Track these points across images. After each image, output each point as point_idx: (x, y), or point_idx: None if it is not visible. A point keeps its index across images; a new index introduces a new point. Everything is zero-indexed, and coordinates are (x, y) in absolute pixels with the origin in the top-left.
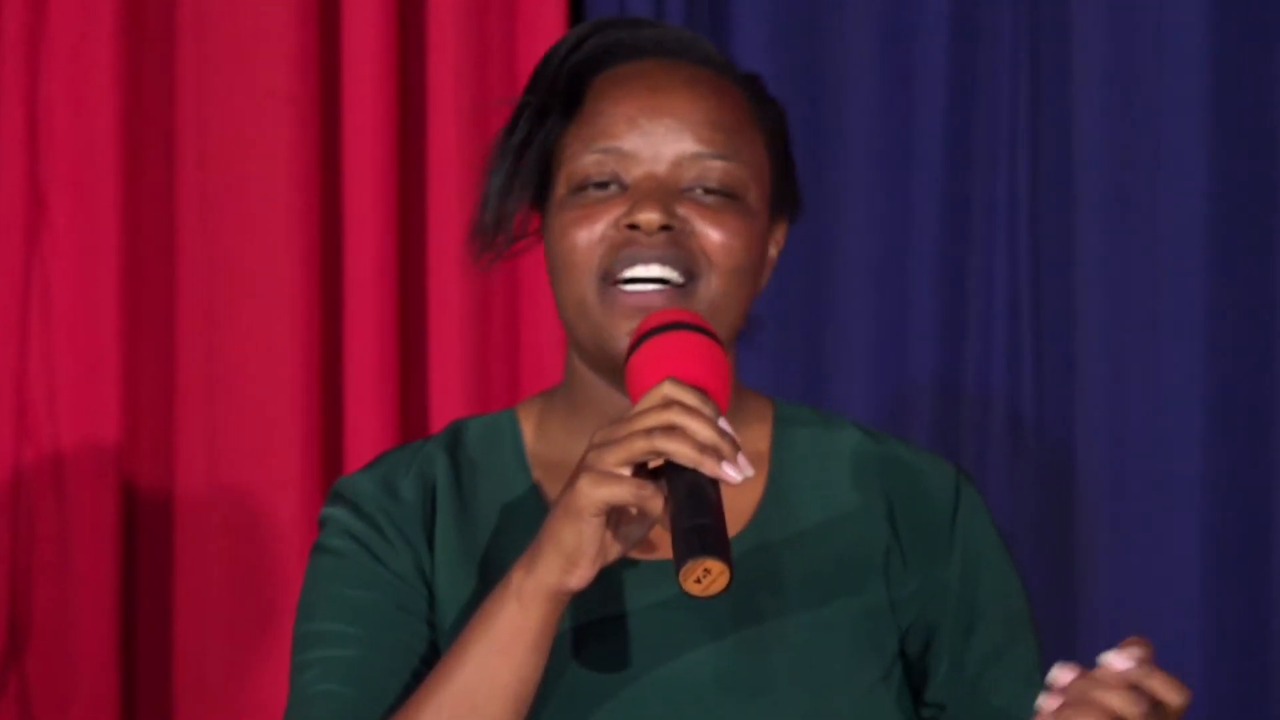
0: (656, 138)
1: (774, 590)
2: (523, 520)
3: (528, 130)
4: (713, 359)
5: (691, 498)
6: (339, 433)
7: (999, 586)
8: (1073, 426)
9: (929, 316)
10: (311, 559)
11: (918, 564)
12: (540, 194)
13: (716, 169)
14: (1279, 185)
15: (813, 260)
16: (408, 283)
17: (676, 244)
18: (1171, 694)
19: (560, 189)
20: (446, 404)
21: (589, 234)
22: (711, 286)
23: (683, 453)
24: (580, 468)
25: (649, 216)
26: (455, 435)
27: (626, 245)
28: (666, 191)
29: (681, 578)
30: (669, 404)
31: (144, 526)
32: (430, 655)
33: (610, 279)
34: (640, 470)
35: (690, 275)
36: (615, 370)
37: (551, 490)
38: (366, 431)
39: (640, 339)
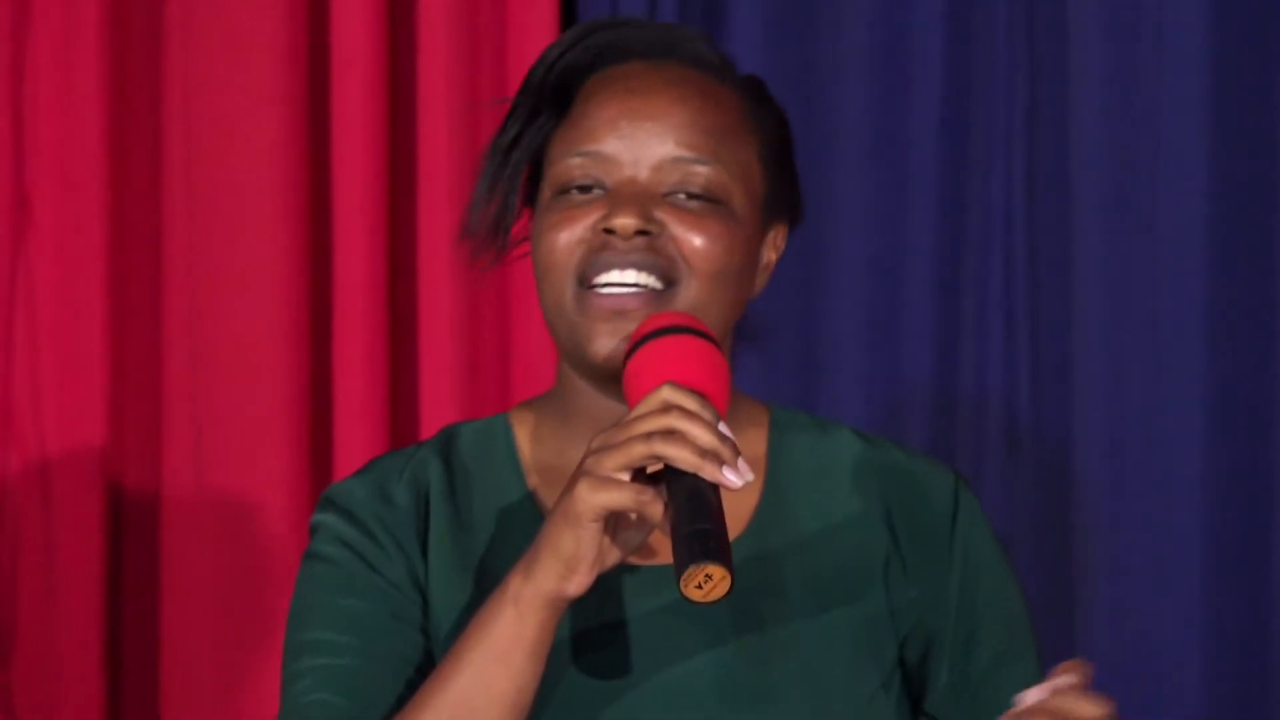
0: (637, 142)
1: (774, 597)
2: (518, 526)
3: (516, 132)
4: (711, 363)
5: (692, 503)
6: (328, 436)
7: (998, 594)
8: (1070, 428)
9: (924, 318)
10: (303, 567)
11: (917, 571)
12: (533, 197)
13: (698, 173)
14: (1279, 185)
15: (807, 262)
16: (398, 284)
17: (653, 249)
18: (1089, 710)
19: (546, 192)
20: (437, 407)
21: (568, 237)
22: (691, 292)
23: (682, 457)
24: (578, 472)
25: (624, 221)
26: (448, 441)
27: (603, 249)
28: (645, 196)
29: (682, 583)
30: (668, 408)
31: (130, 530)
32: (425, 663)
33: (586, 283)
34: (639, 475)
35: (669, 281)
36: (595, 374)
37: (547, 496)
38: (356, 435)
39: (638, 343)
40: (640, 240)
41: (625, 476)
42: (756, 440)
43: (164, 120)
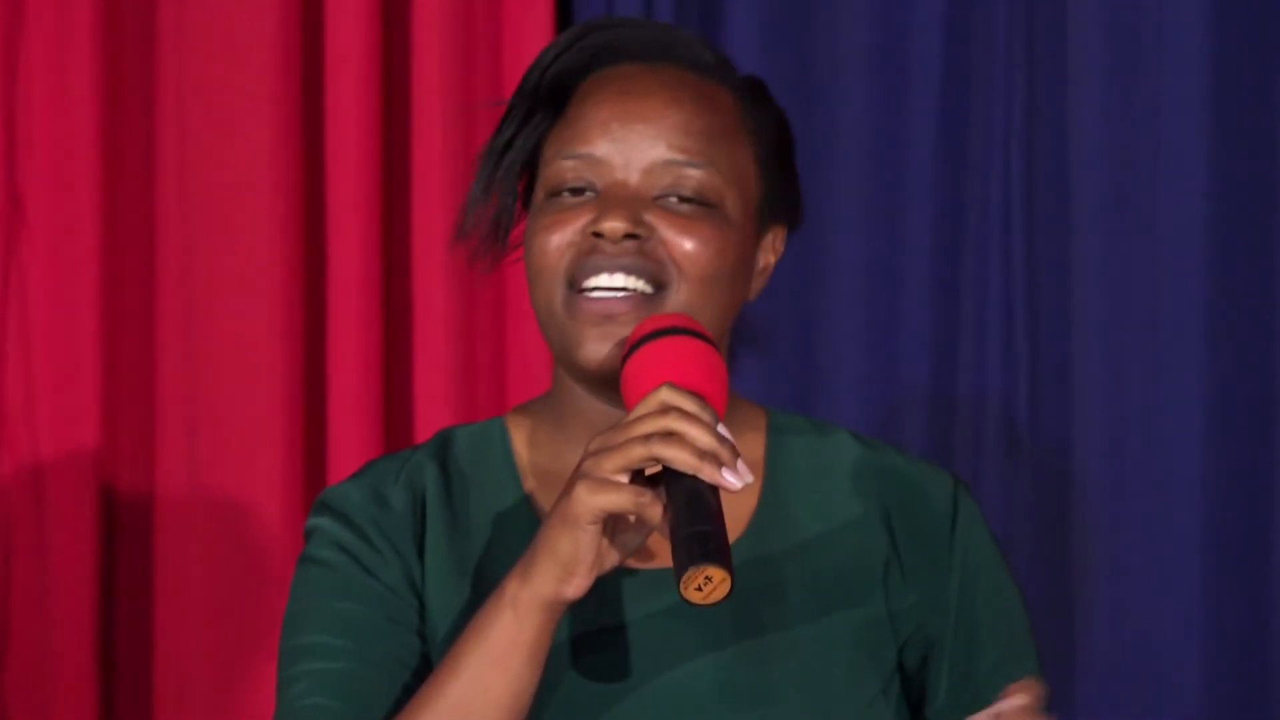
0: (629, 144)
1: (773, 600)
2: (515, 530)
3: (511, 134)
4: (710, 364)
5: (691, 504)
6: (322, 438)
7: (998, 600)
8: (1070, 429)
9: (923, 319)
10: (298, 571)
11: (916, 576)
12: (530, 199)
13: (690, 177)
14: (1279, 185)
15: (805, 262)
16: (392, 286)
17: (643, 253)
18: None
19: (539, 194)
20: (432, 408)
21: (558, 240)
22: (681, 295)
23: (681, 459)
24: (576, 475)
25: (613, 225)
26: (444, 444)
27: (592, 253)
28: (635, 200)
29: (682, 586)
30: (667, 410)
31: (124, 533)
32: (421, 668)
33: (576, 286)
34: (637, 477)
35: (659, 285)
36: (586, 379)
37: (543, 499)
38: (350, 437)
39: (636, 344)
40: (629, 244)
41: (624, 478)
42: (754, 443)
43: (157, 121)
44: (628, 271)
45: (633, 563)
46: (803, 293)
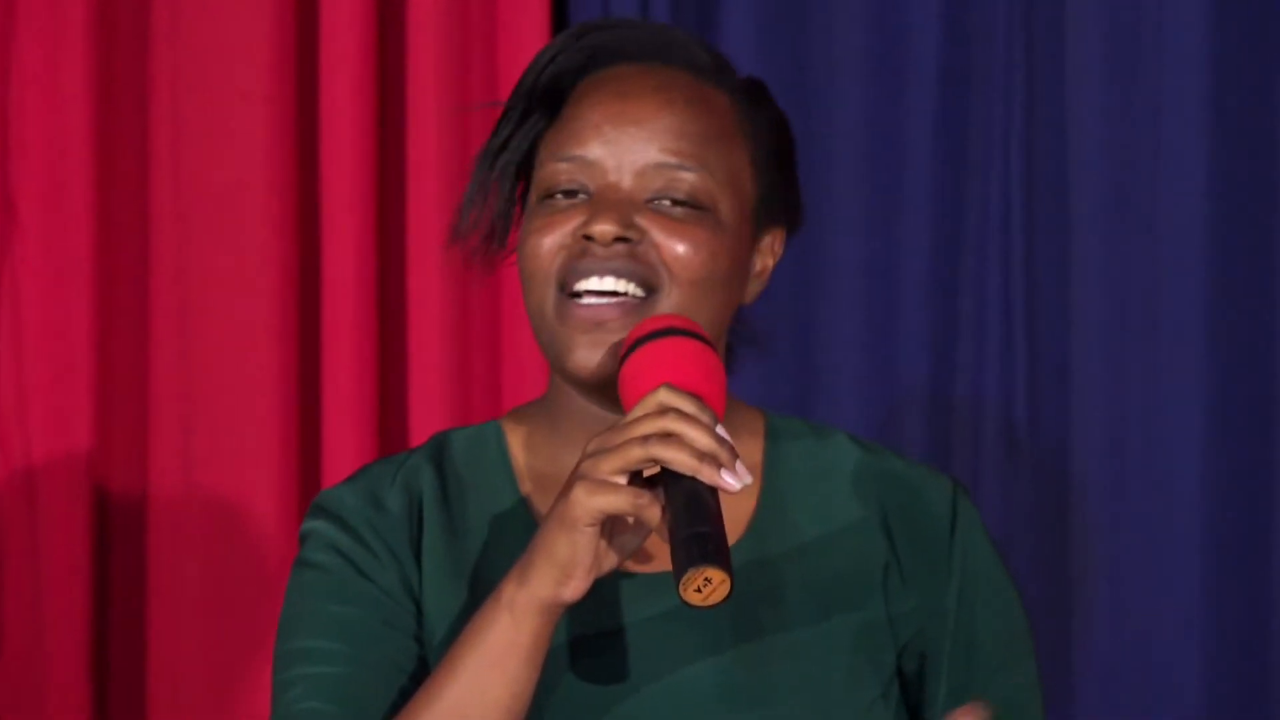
0: (621, 147)
1: (773, 603)
2: (512, 533)
3: (506, 135)
4: (708, 365)
5: (690, 506)
6: (316, 440)
7: (997, 606)
8: (1069, 430)
9: (921, 320)
10: (293, 574)
11: (916, 582)
12: (526, 201)
13: (683, 180)
14: (1279, 185)
15: (802, 263)
16: (387, 288)
17: (634, 256)
18: None
19: (532, 196)
20: (426, 410)
21: (549, 242)
22: (672, 299)
23: (680, 460)
24: (574, 476)
25: (603, 228)
26: (440, 447)
27: (582, 256)
28: (627, 202)
29: (681, 587)
30: (665, 410)
31: (117, 536)
32: (418, 671)
33: (566, 289)
34: (635, 478)
35: (650, 288)
36: (577, 384)
37: (540, 503)
38: (344, 438)
39: (633, 345)
40: (620, 247)
41: (622, 480)
42: (753, 447)
43: (151, 121)
44: (618, 274)
45: (631, 566)
46: (801, 294)
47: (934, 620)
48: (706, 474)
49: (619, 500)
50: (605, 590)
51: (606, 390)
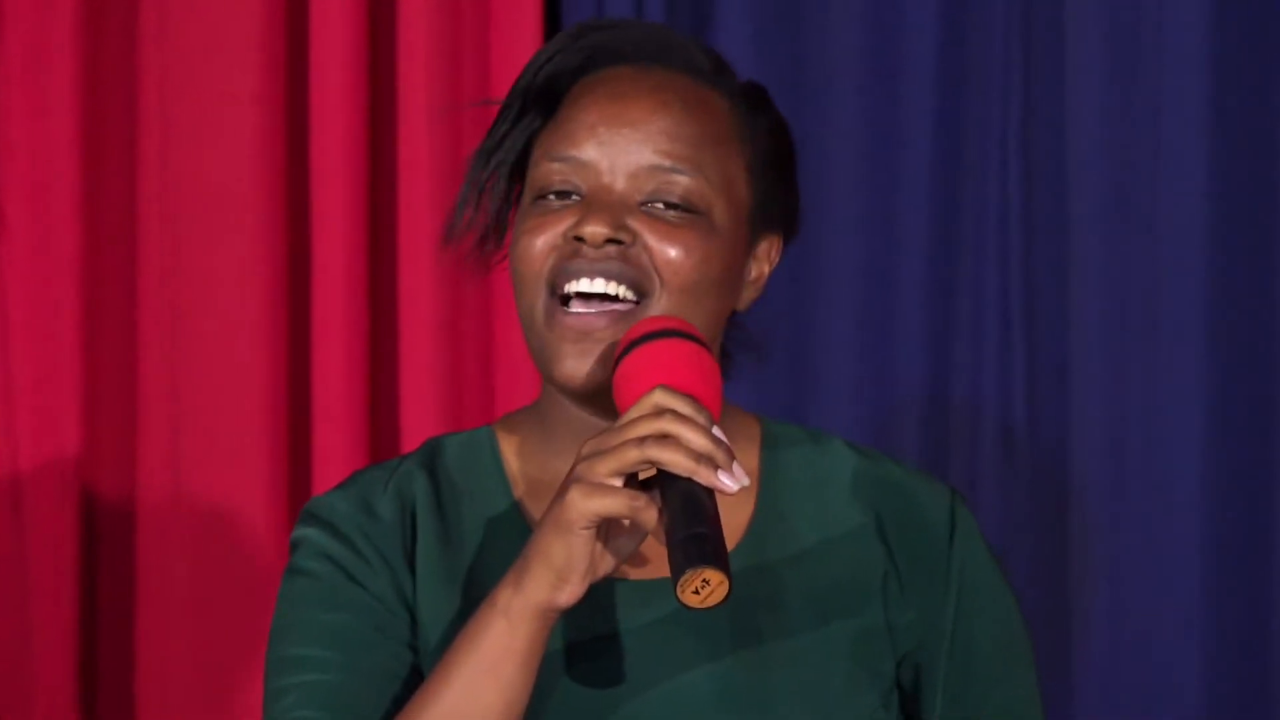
0: (616, 148)
1: (772, 608)
2: (506, 538)
3: (502, 135)
4: (703, 366)
5: (687, 507)
6: (306, 443)
7: (996, 615)
8: (1068, 431)
9: (918, 322)
10: (285, 582)
11: (914, 592)
12: (519, 201)
13: (676, 183)
14: (1279, 185)
15: (798, 265)
16: (378, 290)
17: (625, 259)
18: None
19: (526, 197)
20: (418, 413)
21: (540, 243)
22: (663, 305)
23: (677, 461)
24: (570, 479)
25: (594, 230)
26: (432, 453)
27: (573, 257)
28: (620, 204)
29: (679, 589)
30: (661, 412)
31: (105, 540)
32: (411, 679)
33: (556, 291)
34: (631, 481)
35: (641, 292)
36: (564, 393)
37: (534, 508)
38: (335, 441)
39: (628, 347)
40: (612, 249)
41: (618, 482)
42: (749, 453)
43: (139, 121)
44: (608, 276)
45: (628, 571)
46: (797, 296)
47: (932, 632)
48: (703, 475)
49: (615, 503)
50: (602, 596)
51: (596, 399)
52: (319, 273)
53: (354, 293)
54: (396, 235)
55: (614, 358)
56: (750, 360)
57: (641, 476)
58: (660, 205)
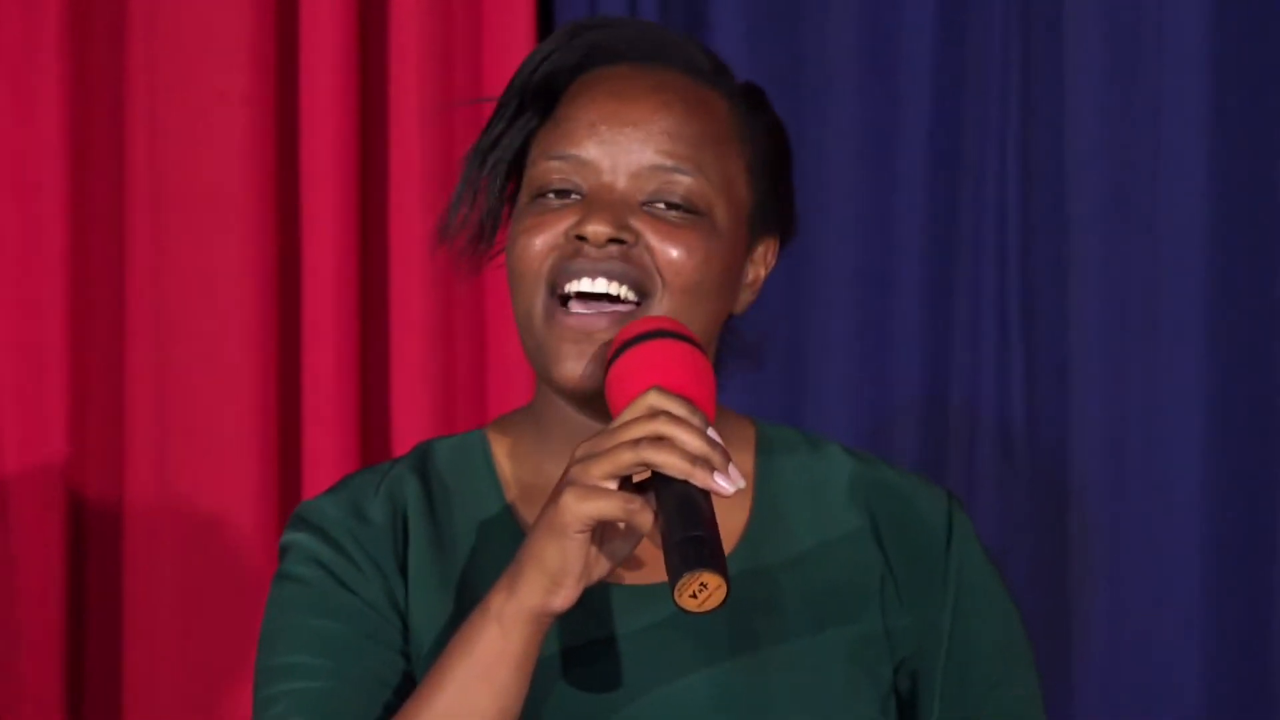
0: (617, 147)
1: (769, 612)
2: (498, 542)
3: (498, 133)
4: (698, 367)
5: (684, 510)
6: (296, 446)
7: (994, 618)
8: (1067, 432)
9: (915, 324)
10: (274, 588)
11: (912, 597)
12: (516, 200)
13: (678, 183)
14: (1279, 185)
15: (794, 266)
16: (369, 292)
17: (628, 259)
18: None
19: (523, 196)
20: (409, 416)
21: (540, 243)
22: (664, 306)
23: (672, 463)
24: (564, 482)
25: (596, 229)
26: (424, 456)
27: (575, 256)
28: (621, 204)
29: (676, 593)
30: (655, 413)
31: (93, 542)
32: (403, 685)
33: (556, 291)
34: (626, 483)
35: (643, 293)
36: (562, 394)
37: (526, 512)
38: (325, 445)
39: (621, 348)
40: (614, 249)
41: (613, 485)
42: (743, 455)
43: (127, 121)
44: (610, 276)
45: (624, 576)
46: (795, 297)
47: (930, 635)
48: (699, 477)
49: (610, 506)
50: (598, 600)
51: (594, 401)
52: (309, 275)
53: (344, 295)
54: (388, 237)
55: (606, 359)
56: (745, 364)
57: (636, 479)
58: (662, 205)
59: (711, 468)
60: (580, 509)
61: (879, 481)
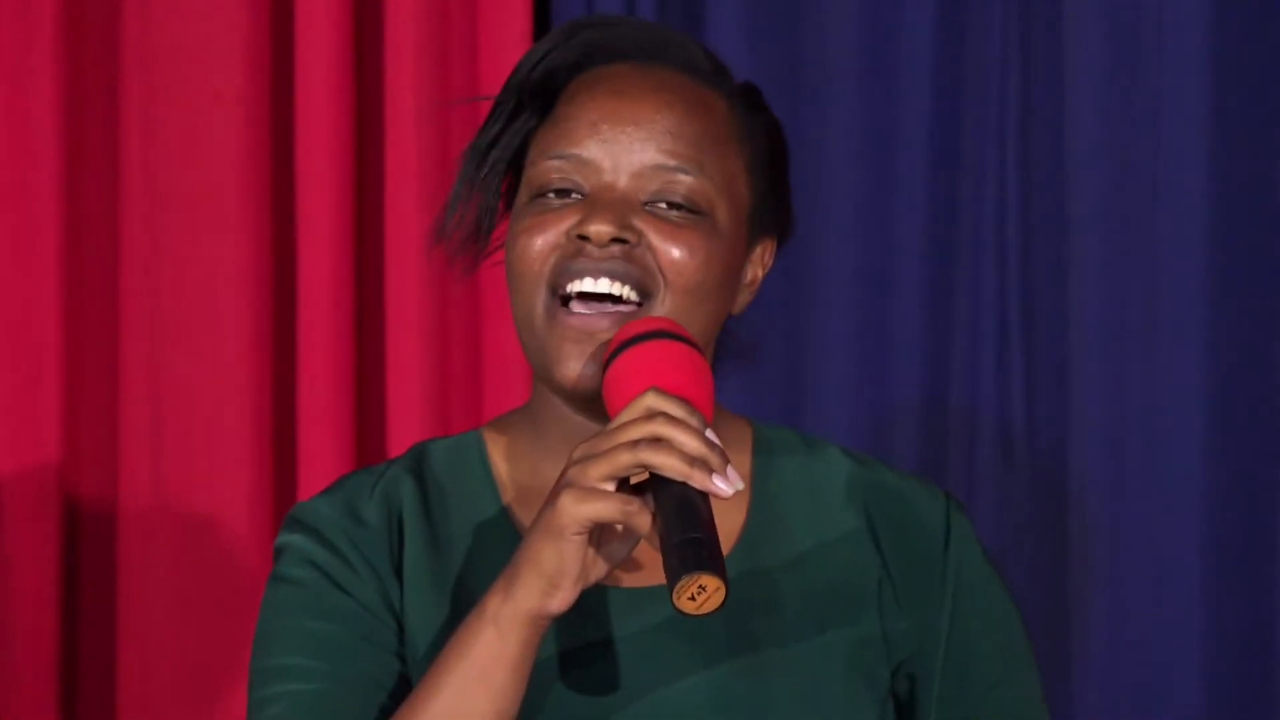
0: (619, 147)
1: (768, 614)
2: (495, 544)
3: (496, 132)
4: (695, 368)
5: (682, 512)
6: (292, 448)
7: (994, 620)
8: (1067, 433)
9: (915, 325)
10: (268, 589)
11: (910, 599)
12: (513, 199)
13: (680, 182)
14: (1279, 185)
15: (794, 266)
16: (364, 293)
17: (630, 259)
18: None
19: (522, 195)
20: (405, 417)
21: (541, 242)
22: (666, 306)
23: (670, 465)
24: (561, 483)
25: (599, 228)
26: (419, 458)
27: (576, 256)
28: (623, 204)
29: (675, 595)
30: (653, 415)
31: (87, 544)
32: (398, 687)
33: (558, 291)
34: (623, 485)
35: (645, 293)
36: (563, 394)
37: (522, 514)
38: (320, 447)
39: (619, 348)
40: (616, 248)
41: (610, 486)
42: (741, 457)
43: (121, 122)
44: (613, 276)
45: (622, 578)
46: (794, 297)
47: (928, 637)
48: (698, 479)
49: (607, 508)
50: (596, 602)
51: (592, 401)
52: (305, 275)
53: (340, 295)
54: (383, 238)
55: (603, 360)
56: (742, 365)
57: (634, 480)
58: (664, 205)
59: (710, 469)
60: (578, 511)
61: (877, 483)
